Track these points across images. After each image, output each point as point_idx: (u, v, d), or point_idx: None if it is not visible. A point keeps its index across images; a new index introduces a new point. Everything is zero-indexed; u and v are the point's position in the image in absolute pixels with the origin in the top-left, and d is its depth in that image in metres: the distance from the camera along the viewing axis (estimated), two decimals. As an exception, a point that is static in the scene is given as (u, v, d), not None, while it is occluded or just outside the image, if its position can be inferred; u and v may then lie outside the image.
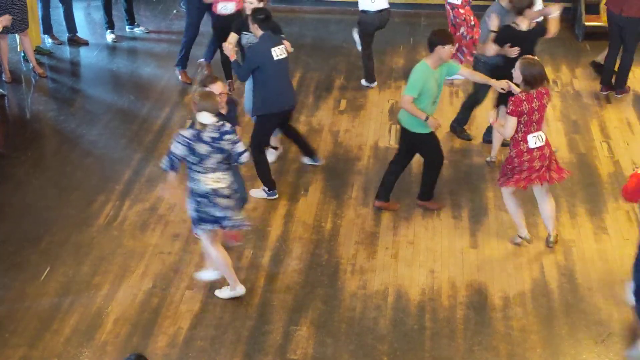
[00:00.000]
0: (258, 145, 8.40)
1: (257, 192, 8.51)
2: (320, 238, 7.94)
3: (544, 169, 7.41)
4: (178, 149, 6.54)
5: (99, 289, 7.25)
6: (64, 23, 12.22)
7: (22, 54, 11.47)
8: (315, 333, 6.78)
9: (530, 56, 7.44)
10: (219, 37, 9.91)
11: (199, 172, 6.61)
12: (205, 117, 6.48)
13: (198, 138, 6.51)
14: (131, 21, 12.78)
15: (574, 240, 7.89)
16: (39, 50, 11.72)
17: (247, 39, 8.63)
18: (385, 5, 10.50)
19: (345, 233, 8.02)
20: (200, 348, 6.63)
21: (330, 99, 10.68)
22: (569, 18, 13.10)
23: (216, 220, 6.75)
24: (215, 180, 6.64)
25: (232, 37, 8.68)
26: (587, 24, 12.37)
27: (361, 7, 10.50)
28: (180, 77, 11.01)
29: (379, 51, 11.98)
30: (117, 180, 8.82)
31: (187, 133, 6.54)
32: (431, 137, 7.96)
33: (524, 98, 7.19)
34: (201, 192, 6.66)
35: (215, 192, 6.66)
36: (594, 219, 8.21)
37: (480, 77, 8.12)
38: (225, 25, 9.74)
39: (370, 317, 6.96)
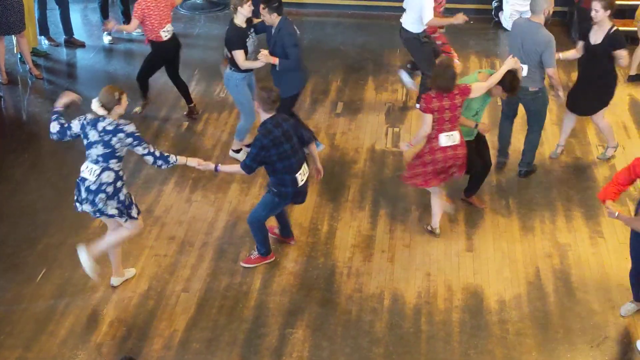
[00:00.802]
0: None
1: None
2: (316, 241, 7.95)
3: (453, 169, 7.67)
4: (74, 124, 6.75)
5: (94, 291, 7.25)
6: (60, 25, 12.21)
7: (19, 56, 11.47)
8: (311, 336, 6.78)
9: (444, 62, 7.60)
10: (160, 63, 9.97)
11: (86, 157, 6.75)
12: (94, 104, 6.60)
13: (93, 124, 6.63)
14: (127, 23, 12.76)
15: (570, 244, 7.90)
16: (35, 52, 11.71)
17: (253, 43, 8.72)
18: (404, 25, 10.00)
19: (342, 236, 8.03)
20: (196, 350, 6.62)
21: (327, 102, 10.69)
22: (566, 21, 13.14)
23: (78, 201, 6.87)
24: (87, 169, 6.70)
25: (263, 52, 8.54)
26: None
27: None
28: None
29: (375, 54, 12.03)
30: (114, 182, 8.81)
31: (89, 116, 6.67)
32: (469, 147, 7.87)
33: (433, 95, 7.37)
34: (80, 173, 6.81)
35: (82, 180, 6.73)
36: (589, 222, 8.22)
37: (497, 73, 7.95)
38: (168, 49, 9.80)
39: (366, 320, 6.96)
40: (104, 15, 12.36)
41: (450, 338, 6.78)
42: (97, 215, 6.83)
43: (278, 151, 6.90)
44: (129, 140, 6.61)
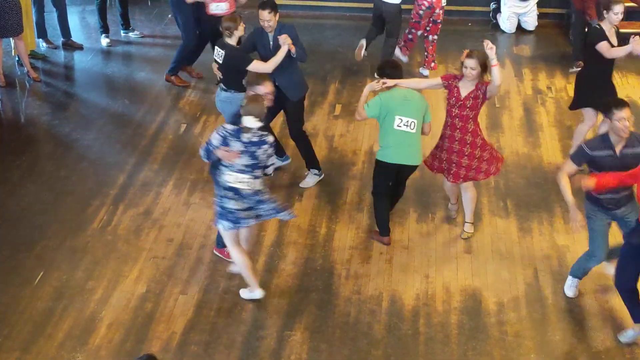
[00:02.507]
0: (302, 126, 8.85)
1: (309, 179, 8.89)
2: (314, 243, 7.94)
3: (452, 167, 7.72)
4: (215, 139, 6.68)
5: (92, 293, 7.24)
6: (58, 27, 12.21)
7: (17, 58, 11.46)
8: (309, 338, 6.78)
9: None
10: (212, 38, 9.98)
11: (225, 166, 6.72)
12: (250, 121, 6.60)
13: (236, 135, 6.63)
14: (126, 25, 12.77)
15: (568, 246, 7.90)
16: (33, 55, 11.71)
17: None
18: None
19: (340, 238, 8.02)
20: (194, 353, 6.62)
21: (326, 104, 10.69)
22: (564, 24, 13.15)
23: (235, 220, 6.82)
24: (237, 180, 6.72)
25: (284, 36, 8.37)
26: (581, 30, 12.37)
27: None
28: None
29: (373, 56, 12.01)
30: (112, 184, 8.82)
31: (229, 127, 6.68)
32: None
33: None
34: (224, 186, 6.78)
35: (236, 191, 6.74)
36: (588, 224, 8.22)
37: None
38: (216, 26, 9.54)
39: (364, 322, 6.96)
40: (102, 17, 12.35)
41: (448, 340, 6.78)
42: (246, 224, 6.94)
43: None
44: (271, 150, 6.76)
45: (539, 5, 12.99)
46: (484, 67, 7.41)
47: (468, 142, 7.56)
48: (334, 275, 7.51)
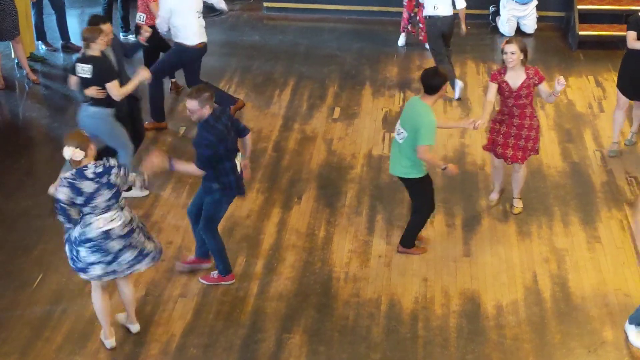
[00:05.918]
0: None
1: None
2: (313, 246, 7.94)
3: (499, 141, 8.10)
4: (63, 194, 5.95)
5: (91, 296, 7.22)
6: (57, 30, 12.21)
7: (16, 61, 11.46)
8: (308, 341, 6.77)
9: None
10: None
11: (89, 213, 6.08)
12: (67, 152, 5.98)
13: (80, 176, 5.99)
14: (126, 28, 12.77)
15: (567, 249, 7.90)
16: (32, 57, 11.71)
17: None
18: (448, 13, 10.51)
19: (339, 241, 8.02)
20: (193, 356, 6.61)
21: (324, 107, 10.69)
22: (563, 27, 13.16)
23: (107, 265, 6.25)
24: (108, 221, 6.13)
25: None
26: (580, 33, 12.41)
27: (425, 12, 10.75)
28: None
29: (372, 60, 12.05)
30: (110, 187, 8.80)
31: (67, 174, 6.01)
32: (426, 181, 7.53)
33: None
34: (94, 236, 6.12)
35: (108, 235, 6.15)
36: (587, 228, 8.22)
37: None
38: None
39: (363, 325, 6.95)
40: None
41: (447, 343, 6.77)
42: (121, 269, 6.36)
43: (225, 146, 6.72)
44: (122, 171, 6.16)
45: (538, 8, 13.00)
46: (524, 52, 7.76)
47: (526, 125, 7.96)
48: (333, 279, 7.51)
